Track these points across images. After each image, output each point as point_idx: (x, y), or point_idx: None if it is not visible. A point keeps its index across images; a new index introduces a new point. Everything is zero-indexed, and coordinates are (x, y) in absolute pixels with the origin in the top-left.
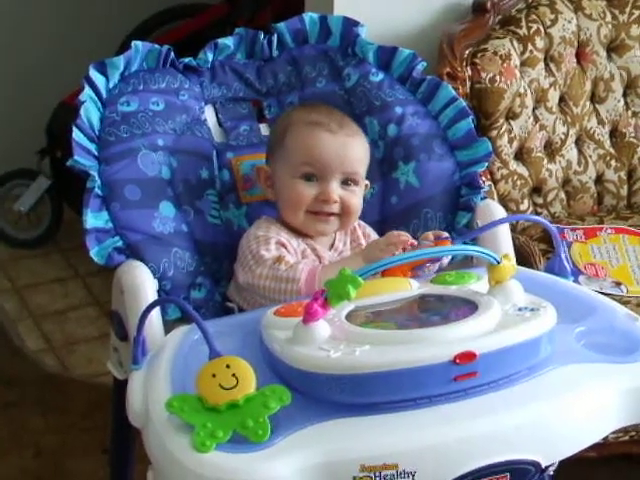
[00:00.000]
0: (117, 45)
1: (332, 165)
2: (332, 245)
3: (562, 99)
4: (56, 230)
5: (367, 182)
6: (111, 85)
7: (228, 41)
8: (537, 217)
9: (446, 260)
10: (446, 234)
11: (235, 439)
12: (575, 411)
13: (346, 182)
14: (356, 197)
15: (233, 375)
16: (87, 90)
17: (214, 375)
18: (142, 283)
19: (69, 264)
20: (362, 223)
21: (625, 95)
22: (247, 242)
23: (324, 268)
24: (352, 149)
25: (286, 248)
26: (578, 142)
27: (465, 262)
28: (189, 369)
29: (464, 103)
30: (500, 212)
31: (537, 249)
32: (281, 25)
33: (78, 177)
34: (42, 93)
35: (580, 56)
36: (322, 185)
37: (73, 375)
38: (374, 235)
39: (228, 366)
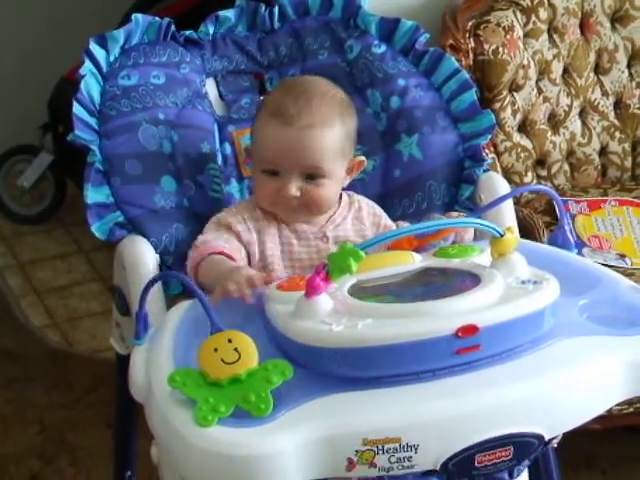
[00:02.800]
0: (120, 19)
1: (287, 161)
2: (329, 218)
3: (566, 71)
4: (59, 206)
5: (362, 158)
6: (112, 59)
7: (229, 13)
8: (543, 187)
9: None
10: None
11: (237, 414)
12: (578, 384)
13: (309, 176)
14: (324, 189)
15: (235, 349)
16: (87, 64)
17: (216, 349)
18: (143, 258)
19: (72, 239)
20: (370, 203)
21: (629, 66)
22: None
23: (209, 260)
24: (311, 142)
25: (238, 235)
26: (582, 114)
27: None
28: (191, 344)
29: (467, 75)
30: (503, 185)
31: (540, 222)
32: None
33: (80, 152)
34: (44, 68)
35: (584, 27)
36: (282, 180)
37: (77, 350)
38: (385, 217)
39: (230, 340)
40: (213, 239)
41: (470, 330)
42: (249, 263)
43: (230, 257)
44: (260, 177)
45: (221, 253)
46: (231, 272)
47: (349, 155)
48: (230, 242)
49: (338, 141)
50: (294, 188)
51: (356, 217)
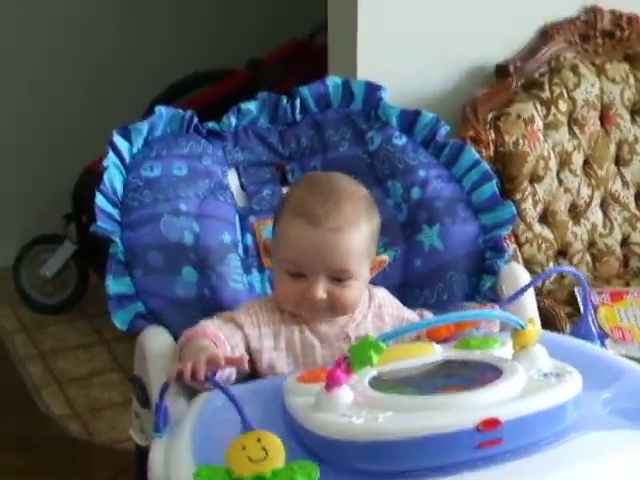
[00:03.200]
0: (144, 111)
1: (313, 263)
2: (350, 317)
3: (586, 162)
4: (81, 295)
5: (384, 257)
6: (135, 150)
7: (251, 105)
8: (568, 267)
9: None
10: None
11: None
12: (602, 478)
13: (336, 279)
14: (350, 291)
15: (263, 448)
16: (111, 155)
17: (244, 448)
18: (164, 349)
19: (94, 329)
20: (389, 297)
21: None
22: None
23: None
24: (338, 244)
25: (245, 338)
26: (603, 205)
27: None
28: (212, 437)
29: (487, 166)
30: (524, 275)
31: (562, 312)
32: (304, 89)
33: (103, 243)
34: (69, 158)
35: (604, 119)
36: (307, 282)
37: (97, 441)
38: (406, 310)
39: (259, 440)
40: (214, 326)
41: (492, 424)
42: (254, 369)
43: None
44: (283, 277)
45: (210, 338)
46: (196, 350)
47: (373, 254)
48: (230, 338)
49: (364, 242)
50: (321, 290)
51: (376, 314)
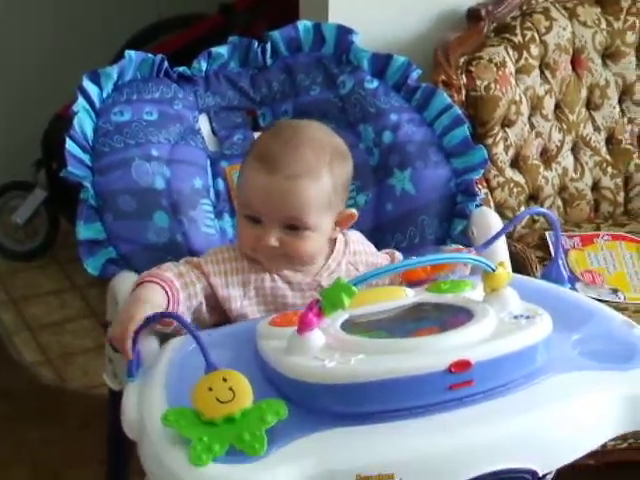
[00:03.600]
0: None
1: (268, 210)
2: (323, 266)
3: (558, 106)
4: (53, 242)
5: (352, 211)
6: (104, 95)
7: (222, 50)
8: (543, 209)
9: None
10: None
11: (232, 452)
12: (571, 419)
13: (291, 227)
14: (305, 242)
15: (230, 389)
16: (80, 100)
17: (210, 389)
18: None
19: (66, 276)
20: (366, 243)
21: (621, 102)
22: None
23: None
24: (292, 192)
25: (209, 287)
26: (574, 149)
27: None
28: (184, 381)
29: (459, 111)
30: (495, 219)
31: (533, 256)
32: (275, 33)
33: (74, 189)
34: (38, 105)
35: (575, 63)
36: (263, 228)
37: (70, 386)
38: (374, 253)
39: (225, 379)
40: (174, 273)
41: (463, 365)
42: (226, 320)
43: (167, 293)
44: (242, 222)
45: (161, 285)
46: (131, 309)
47: (338, 207)
48: (190, 286)
49: (324, 192)
50: (273, 238)
51: (350, 262)
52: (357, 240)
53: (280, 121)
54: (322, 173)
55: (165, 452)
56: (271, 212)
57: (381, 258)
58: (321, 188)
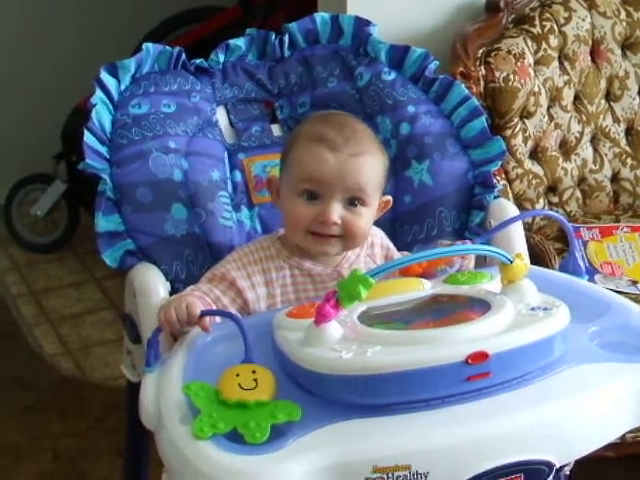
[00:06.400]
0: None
1: (332, 183)
2: (344, 257)
3: (577, 97)
4: (72, 234)
5: (389, 198)
6: (122, 87)
7: (239, 42)
8: (551, 212)
9: (471, 264)
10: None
11: (232, 436)
12: (589, 411)
13: (351, 202)
14: (362, 219)
15: (254, 380)
16: (98, 92)
17: (238, 375)
18: (154, 286)
19: (85, 268)
20: (382, 235)
21: None
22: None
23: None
24: (357, 168)
25: (240, 293)
26: (593, 140)
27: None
28: (203, 371)
29: (477, 102)
30: (513, 211)
31: (552, 248)
32: (292, 25)
33: (93, 181)
34: (59, 98)
35: (594, 54)
36: (322, 205)
37: (89, 378)
38: (393, 249)
39: (254, 371)
40: (201, 291)
41: (480, 357)
42: None
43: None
44: (297, 202)
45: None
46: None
47: (382, 190)
48: (222, 299)
49: (380, 171)
50: (336, 213)
51: (368, 254)
52: (378, 235)
53: (317, 113)
54: (378, 154)
55: (182, 442)
56: (335, 186)
57: (394, 251)
58: (379, 166)
